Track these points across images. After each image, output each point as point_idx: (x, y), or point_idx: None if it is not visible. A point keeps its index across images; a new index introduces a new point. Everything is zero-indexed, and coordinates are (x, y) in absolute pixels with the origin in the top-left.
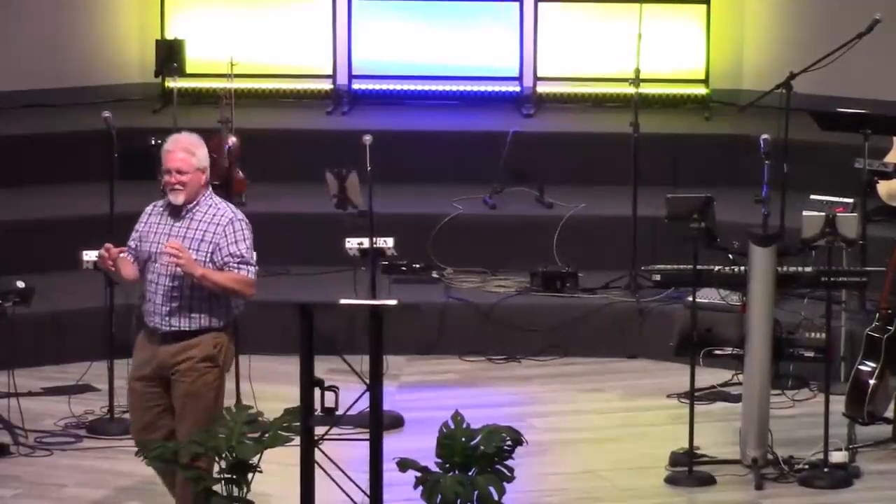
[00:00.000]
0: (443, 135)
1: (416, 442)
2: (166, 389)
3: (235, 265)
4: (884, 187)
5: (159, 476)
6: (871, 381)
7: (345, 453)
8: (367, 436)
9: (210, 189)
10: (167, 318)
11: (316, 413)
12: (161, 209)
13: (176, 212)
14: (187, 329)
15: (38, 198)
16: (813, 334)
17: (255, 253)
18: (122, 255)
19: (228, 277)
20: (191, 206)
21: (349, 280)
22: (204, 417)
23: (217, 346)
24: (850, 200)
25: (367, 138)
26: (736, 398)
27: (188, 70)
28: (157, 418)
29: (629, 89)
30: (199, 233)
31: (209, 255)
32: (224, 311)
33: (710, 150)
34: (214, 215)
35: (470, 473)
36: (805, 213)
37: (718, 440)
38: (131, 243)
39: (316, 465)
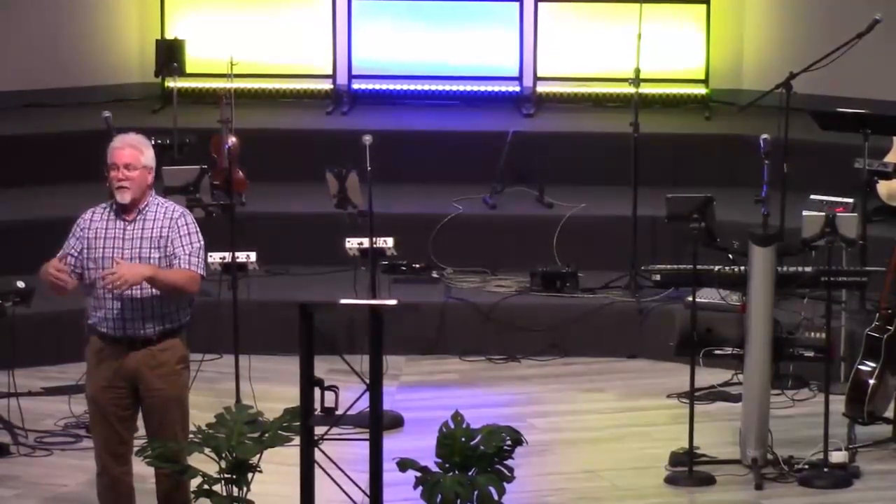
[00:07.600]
0: (443, 135)
1: (416, 442)
2: (133, 396)
3: (186, 257)
4: (884, 187)
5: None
6: (871, 381)
7: (345, 453)
8: (367, 436)
9: (154, 190)
10: (136, 324)
11: (316, 413)
12: (106, 213)
13: (126, 213)
14: (161, 331)
15: (38, 198)
16: (813, 334)
17: (203, 250)
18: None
19: (177, 275)
20: (142, 206)
21: (349, 280)
22: (185, 418)
23: (186, 345)
24: (850, 200)
25: (367, 138)
26: (736, 398)
27: (188, 70)
28: (126, 429)
29: (629, 89)
30: (157, 230)
31: (166, 249)
32: (187, 311)
33: (710, 150)
34: (166, 211)
35: (470, 473)
36: (805, 213)
37: (718, 440)
38: (72, 251)
39: (316, 465)
